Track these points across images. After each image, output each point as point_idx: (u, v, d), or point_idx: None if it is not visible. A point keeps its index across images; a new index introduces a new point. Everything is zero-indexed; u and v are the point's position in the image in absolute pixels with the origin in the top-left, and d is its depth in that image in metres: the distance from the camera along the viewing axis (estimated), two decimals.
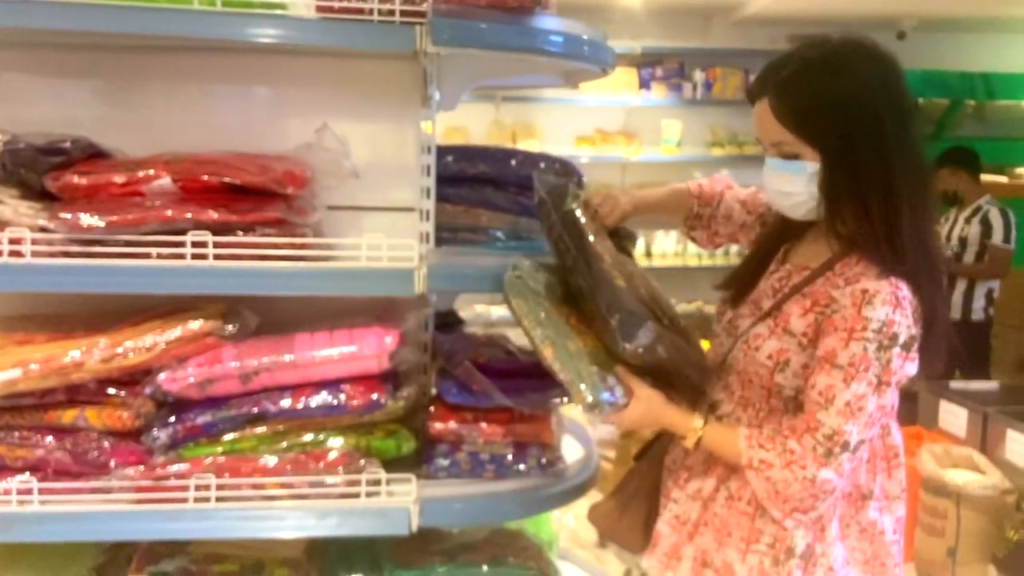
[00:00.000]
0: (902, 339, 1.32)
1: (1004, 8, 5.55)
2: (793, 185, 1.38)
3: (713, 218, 1.67)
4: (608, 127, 6.19)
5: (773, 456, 1.35)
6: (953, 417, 3.38)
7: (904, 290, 1.33)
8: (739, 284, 1.53)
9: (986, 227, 4.60)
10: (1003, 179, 6.29)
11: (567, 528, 3.11)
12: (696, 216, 1.67)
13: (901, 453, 1.48)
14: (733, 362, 1.46)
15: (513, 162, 1.74)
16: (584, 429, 1.90)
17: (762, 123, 1.40)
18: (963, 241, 4.63)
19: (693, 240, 1.72)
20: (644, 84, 6.07)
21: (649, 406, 1.40)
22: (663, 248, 5.87)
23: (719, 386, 1.51)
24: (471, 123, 5.76)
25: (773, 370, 1.40)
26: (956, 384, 3.65)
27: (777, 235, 1.53)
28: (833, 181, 1.36)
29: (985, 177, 5.03)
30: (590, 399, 1.34)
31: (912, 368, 1.36)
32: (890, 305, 1.31)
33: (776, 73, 1.38)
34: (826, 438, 1.32)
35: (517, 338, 1.69)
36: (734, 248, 2.82)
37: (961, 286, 4.63)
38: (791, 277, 1.45)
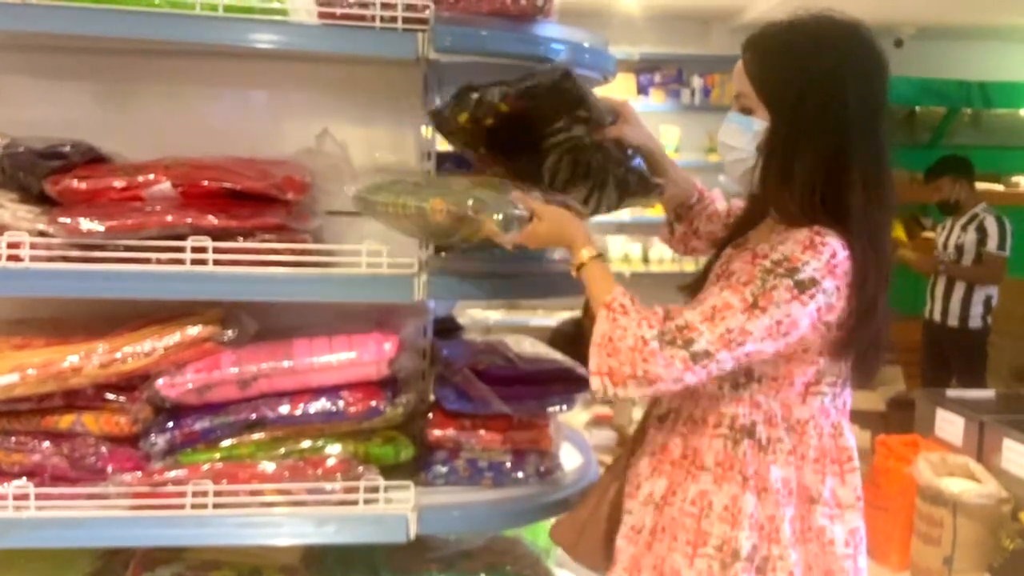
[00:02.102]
0: (800, 276, 1.27)
1: (1001, 17, 5.57)
2: (737, 139, 1.40)
3: (700, 215, 1.68)
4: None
5: (633, 312, 1.30)
6: (950, 425, 3.38)
7: (827, 237, 1.29)
8: (698, 283, 1.50)
9: (982, 234, 4.61)
10: (999, 187, 6.31)
11: None
12: (689, 207, 1.67)
13: (855, 456, 1.40)
14: None
15: None
16: (582, 436, 1.90)
17: (735, 76, 1.42)
18: (959, 248, 4.65)
19: (670, 233, 1.71)
20: (642, 90, 6.08)
21: (555, 219, 1.38)
22: (660, 254, 5.87)
23: None
24: None
25: None
26: (953, 392, 3.66)
27: (735, 229, 1.53)
28: (772, 143, 1.36)
29: (981, 185, 5.05)
30: (501, 216, 1.32)
31: (801, 314, 1.27)
32: (802, 245, 1.28)
33: (761, 33, 1.40)
34: (677, 328, 1.27)
35: (515, 344, 1.70)
36: None
37: (959, 293, 4.64)
38: (732, 260, 1.43)
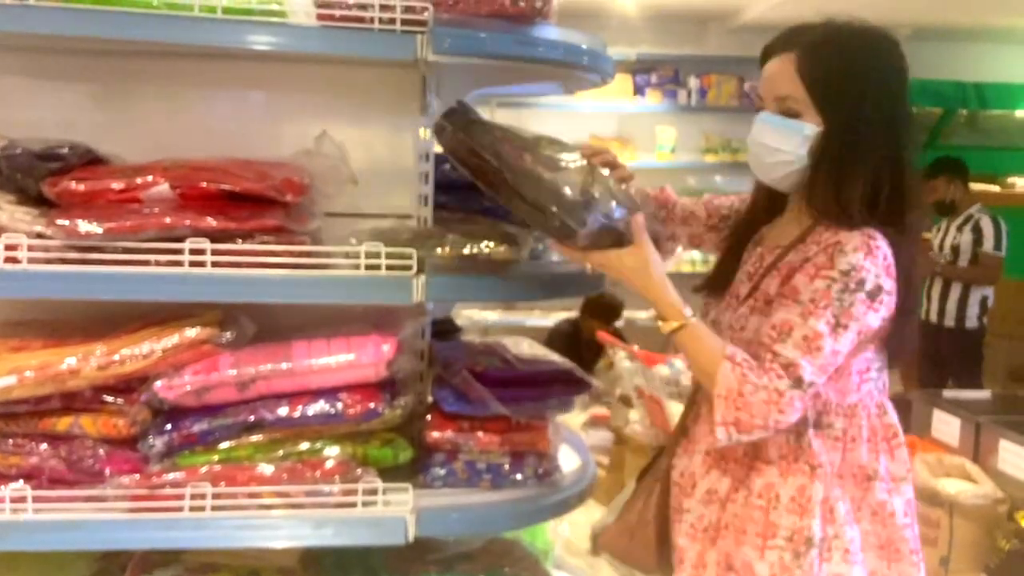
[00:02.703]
0: (868, 286, 1.31)
1: (997, 18, 5.59)
2: (784, 142, 1.38)
3: (670, 220, 1.69)
4: (603, 133, 6.20)
5: (756, 363, 1.32)
6: (946, 426, 3.39)
7: (878, 240, 1.33)
8: (717, 281, 1.55)
9: (977, 234, 4.63)
10: (995, 188, 6.33)
11: (561, 537, 3.10)
12: (661, 220, 1.68)
13: (900, 433, 1.46)
14: None
15: None
16: (580, 438, 1.90)
17: (775, 77, 1.40)
18: (955, 249, 4.66)
19: None
20: (639, 90, 6.08)
21: (651, 262, 1.36)
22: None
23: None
24: None
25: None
26: (949, 393, 3.67)
27: (747, 225, 1.56)
28: (827, 149, 1.36)
29: (977, 186, 5.06)
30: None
31: (875, 320, 1.34)
32: (861, 251, 1.31)
33: (804, 34, 1.39)
34: (783, 367, 1.31)
35: (514, 345, 1.69)
36: None
37: (955, 293, 4.65)
38: (764, 258, 1.47)
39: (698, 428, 1.52)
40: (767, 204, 1.54)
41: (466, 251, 1.45)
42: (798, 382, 1.30)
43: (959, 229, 4.68)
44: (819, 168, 1.38)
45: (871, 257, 1.32)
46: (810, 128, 1.37)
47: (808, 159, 1.38)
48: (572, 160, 1.39)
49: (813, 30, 1.40)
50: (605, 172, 1.40)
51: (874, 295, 1.32)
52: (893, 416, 1.46)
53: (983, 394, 3.72)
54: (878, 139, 1.36)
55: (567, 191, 1.32)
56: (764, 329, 1.35)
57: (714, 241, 1.69)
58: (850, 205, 1.35)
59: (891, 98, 1.37)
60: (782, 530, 1.37)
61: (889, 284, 1.34)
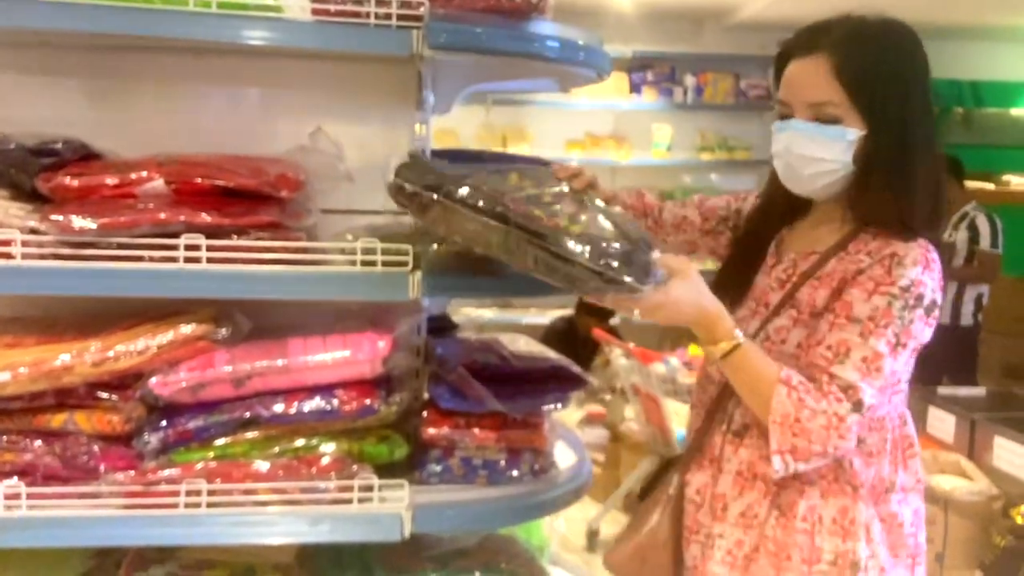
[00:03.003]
0: (926, 301, 1.27)
1: (993, 17, 5.60)
2: (826, 151, 1.30)
3: (659, 227, 1.63)
4: (598, 131, 6.20)
5: (812, 387, 1.24)
6: (941, 423, 3.40)
7: (933, 252, 1.29)
8: (732, 286, 1.47)
9: (973, 232, 4.63)
10: (990, 186, 6.35)
11: (557, 533, 3.11)
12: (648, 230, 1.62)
13: (916, 443, 1.43)
14: None
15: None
16: (576, 435, 1.90)
17: (805, 81, 1.31)
18: (951, 247, 4.67)
19: None
20: (635, 88, 6.09)
21: (697, 287, 1.25)
22: None
23: (734, 399, 1.40)
24: (461, 126, 5.76)
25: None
26: (944, 390, 3.67)
27: (762, 229, 1.48)
28: (877, 153, 1.29)
29: (973, 184, 5.07)
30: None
31: (928, 335, 1.30)
32: (920, 265, 1.27)
33: (829, 33, 1.31)
34: (842, 390, 1.24)
35: (510, 342, 1.69)
36: None
37: (950, 291, 4.67)
38: (797, 265, 1.39)
39: (725, 446, 1.43)
40: (786, 207, 1.46)
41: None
42: (858, 405, 1.24)
43: (955, 227, 4.69)
44: (869, 174, 1.30)
45: (929, 271, 1.27)
46: (853, 133, 1.30)
47: (853, 165, 1.31)
48: (561, 195, 1.28)
49: (839, 27, 1.31)
50: (599, 202, 1.31)
51: (930, 310, 1.28)
52: (911, 426, 1.42)
53: (978, 391, 3.73)
54: (927, 138, 1.31)
55: (611, 246, 1.17)
56: (818, 350, 1.28)
57: (710, 246, 1.63)
58: (910, 213, 1.29)
59: (927, 93, 1.33)
60: (826, 553, 1.32)
61: (940, 298, 1.30)
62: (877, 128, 1.29)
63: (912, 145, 1.30)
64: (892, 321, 1.25)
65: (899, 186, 1.30)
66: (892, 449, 1.38)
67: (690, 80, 6.08)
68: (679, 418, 3.55)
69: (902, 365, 1.28)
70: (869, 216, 1.33)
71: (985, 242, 4.60)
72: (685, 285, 1.23)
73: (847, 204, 1.36)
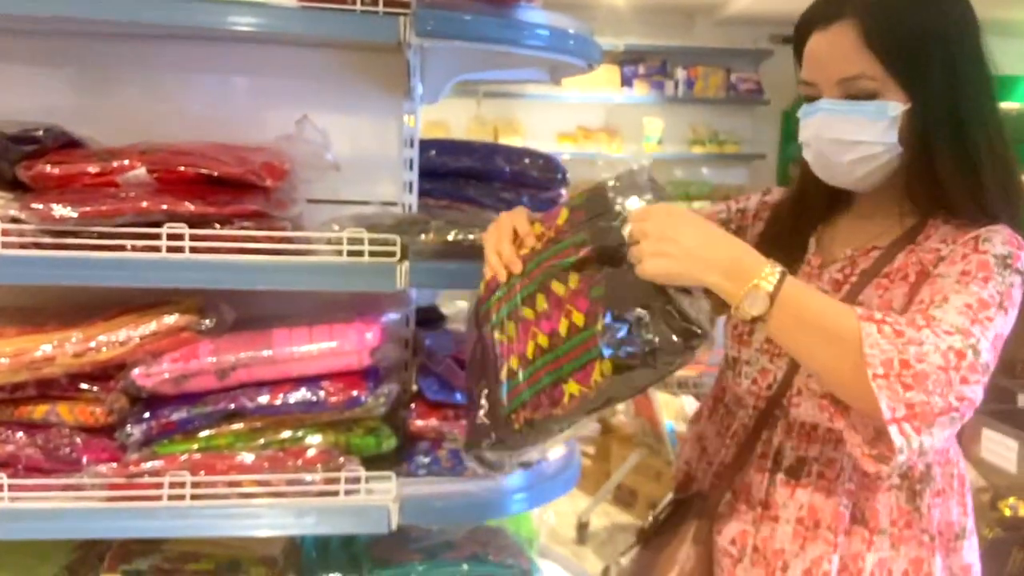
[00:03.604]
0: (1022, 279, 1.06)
1: (999, 11, 5.60)
2: (865, 132, 1.09)
3: None
4: (590, 124, 6.20)
5: (903, 319, 0.97)
6: None
7: (1020, 239, 1.10)
8: None
9: None
10: None
11: (546, 525, 3.11)
12: None
13: (967, 478, 1.25)
14: (803, 384, 1.18)
15: (497, 157, 1.72)
16: None
17: (832, 54, 1.10)
18: None
19: None
20: (626, 81, 6.09)
21: (705, 221, 1.03)
22: None
23: (780, 427, 1.20)
24: (452, 118, 5.74)
25: None
26: None
27: (797, 227, 1.28)
28: (924, 128, 1.09)
29: None
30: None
31: (1009, 326, 1.06)
32: (1012, 245, 1.07)
33: None
34: (948, 328, 0.97)
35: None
36: None
37: None
38: (856, 263, 1.19)
39: (775, 488, 1.20)
40: (822, 201, 1.26)
41: (450, 238, 1.43)
42: (975, 351, 0.95)
43: None
44: (923, 154, 1.11)
45: (1022, 251, 1.08)
46: (895, 107, 1.09)
47: (900, 146, 1.11)
48: None
49: None
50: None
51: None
52: (963, 463, 1.24)
53: None
54: (985, 106, 1.11)
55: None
56: (908, 311, 1.04)
57: None
58: (982, 195, 1.09)
59: (978, 51, 1.12)
60: None
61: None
62: (923, 99, 1.09)
63: (968, 115, 1.10)
64: (992, 275, 1.02)
65: (963, 164, 1.10)
66: (959, 487, 1.20)
67: (681, 74, 6.08)
68: (669, 410, 3.54)
69: (1006, 333, 1.03)
70: (935, 203, 1.14)
71: None
72: (692, 226, 1.00)
73: (903, 191, 1.17)
